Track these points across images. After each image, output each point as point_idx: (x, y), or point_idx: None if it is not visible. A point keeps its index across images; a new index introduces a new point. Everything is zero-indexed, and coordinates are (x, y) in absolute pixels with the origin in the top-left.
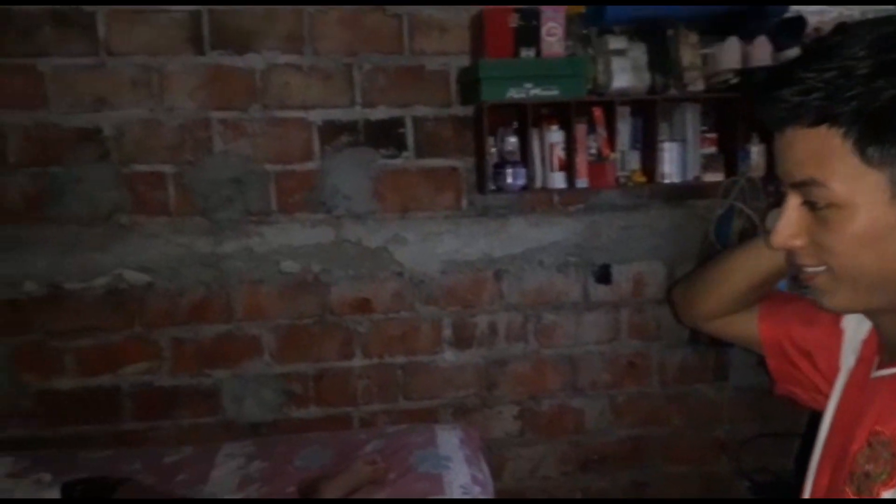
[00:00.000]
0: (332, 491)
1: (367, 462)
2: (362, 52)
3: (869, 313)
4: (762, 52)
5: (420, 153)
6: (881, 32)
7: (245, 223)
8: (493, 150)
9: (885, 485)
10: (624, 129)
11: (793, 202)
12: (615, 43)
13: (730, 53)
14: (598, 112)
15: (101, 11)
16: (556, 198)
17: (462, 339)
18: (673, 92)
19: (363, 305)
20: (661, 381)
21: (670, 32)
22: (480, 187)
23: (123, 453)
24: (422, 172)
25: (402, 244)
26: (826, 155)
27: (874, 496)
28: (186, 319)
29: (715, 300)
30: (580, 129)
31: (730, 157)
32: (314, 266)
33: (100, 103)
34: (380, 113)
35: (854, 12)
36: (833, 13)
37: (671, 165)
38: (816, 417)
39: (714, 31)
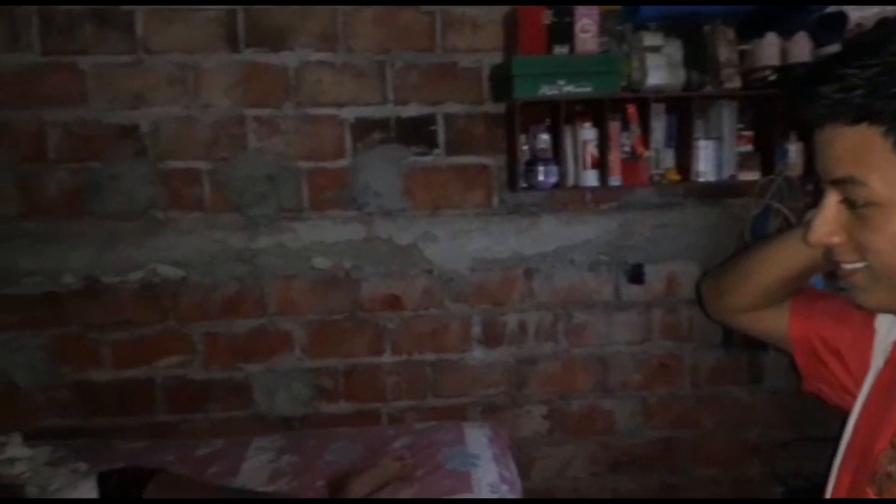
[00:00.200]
0: (360, 486)
1: (395, 458)
2: (395, 49)
3: None
4: (802, 48)
5: (451, 150)
6: None
7: (278, 219)
8: (525, 147)
9: None
10: (658, 126)
11: (831, 199)
12: (650, 39)
13: (768, 50)
14: (632, 109)
15: (139, 10)
16: (588, 196)
17: (491, 338)
18: (709, 89)
19: (393, 302)
20: (693, 383)
21: (707, 29)
22: (511, 185)
23: (157, 444)
24: (452, 170)
25: (432, 241)
26: (866, 153)
27: (895, 497)
28: (220, 314)
29: (745, 293)
30: (614, 126)
31: (767, 155)
32: (345, 262)
33: (137, 100)
34: (411, 110)
35: None
36: (875, 9)
37: (706, 163)
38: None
39: (752, 27)
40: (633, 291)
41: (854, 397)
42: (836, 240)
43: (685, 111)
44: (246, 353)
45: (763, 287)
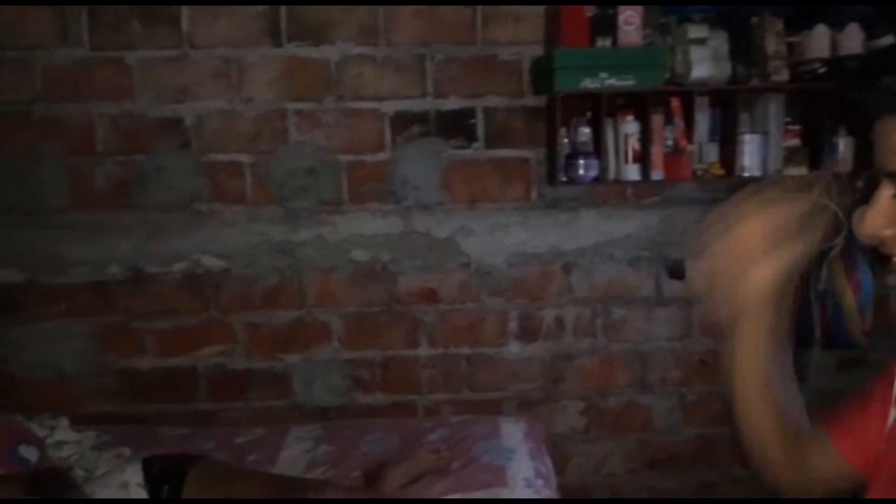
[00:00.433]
0: (396, 477)
1: (431, 450)
2: (435, 42)
3: None
4: (853, 40)
5: (490, 144)
6: None
7: (318, 212)
8: (565, 141)
9: None
10: (702, 120)
11: (886, 192)
12: (695, 32)
13: (818, 42)
14: (675, 102)
15: (185, 6)
16: (629, 190)
17: (528, 332)
18: (755, 82)
19: (430, 295)
20: None
21: (754, 20)
22: (551, 179)
23: (198, 432)
24: (491, 163)
25: (469, 235)
26: None
27: None
28: (260, 305)
29: (771, 451)
30: (656, 119)
31: (815, 150)
32: (383, 255)
33: (182, 94)
34: (451, 103)
35: None
36: None
37: (751, 158)
38: None
39: (801, 19)
40: (673, 287)
41: None
42: (888, 233)
43: (730, 105)
44: (285, 344)
45: (773, 431)
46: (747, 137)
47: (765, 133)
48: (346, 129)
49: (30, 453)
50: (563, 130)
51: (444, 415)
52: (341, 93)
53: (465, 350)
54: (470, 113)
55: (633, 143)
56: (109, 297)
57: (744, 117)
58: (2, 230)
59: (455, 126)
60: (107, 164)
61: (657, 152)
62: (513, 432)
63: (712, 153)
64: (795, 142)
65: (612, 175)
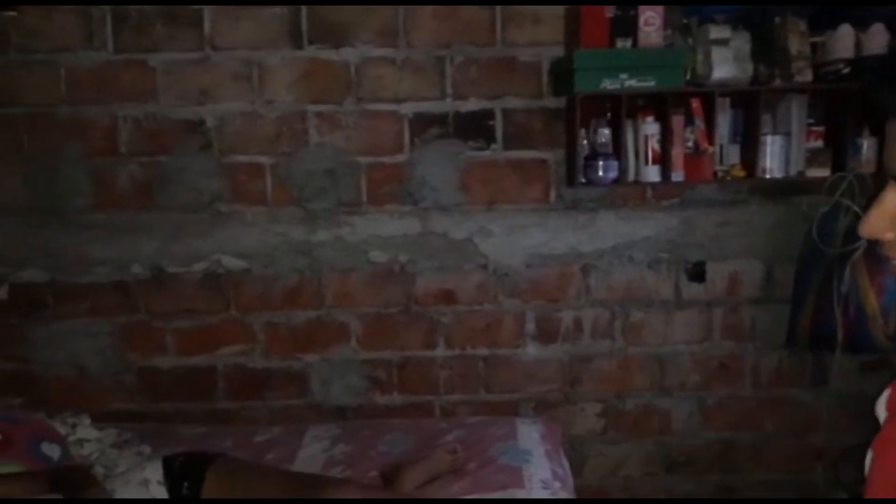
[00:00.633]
0: (412, 477)
1: (447, 451)
2: (455, 44)
3: None
4: (878, 40)
5: (509, 145)
6: None
7: (337, 213)
8: (585, 142)
9: None
10: (723, 121)
11: (892, 193)
12: (717, 32)
13: (842, 42)
14: (696, 103)
15: (207, 8)
16: (649, 192)
17: (546, 334)
18: (778, 83)
19: (447, 296)
20: (754, 384)
21: (777, 21)
22: (570, 180)
23: (217, 430)
24: (510, 164)
25: (487, 236)
26: None
27: None
28: (280, 305)
29: None
30: (677, 120)
31: (838, 151)
32: (401, 256)
33: (204, 96)
34: (470, 105)
35: None
36: None
37: (773, 159)
38: None
39: (825, 19)
40: (693, 290)
41: None
42: (889, 236)
43: (752, 106)
44: (304, 344)
45: None
46: (769, 139)
47: (787, 134)
48: (365, 131)
49: (52, 450)
50: (582, 132)
51: (460, 416)
52: (361, 95)
53: (483, 351)
54: (489, 114)
55: (653, 145)
56: (131, 297)
57: (766, 118)
58: (26, 230)
59: (474, 127)
60: (130, 165)
61: (677, 153)
62: (530, 434)
63: (734, 154)
64: (818, 143)
65: (631, 176)
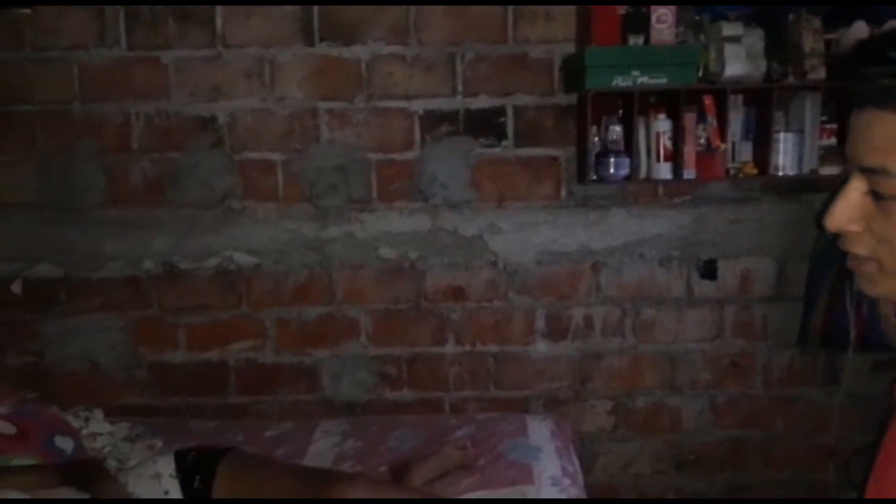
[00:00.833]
0: (422, 473)
1: (457, 447)
2: (466, 41)
3: None
4: None
5: (520, 142)
6: None
7: (347, 210)
8: (596, 139)
9: None
10: (736, 118)
11: (856, 186)
12: (729, 29)
13: (856, 39)
14: (708, 101)
15: (219, 6)
16: (660, 189)
17: (556, 331)
18: (791, 80)
19: (457, 293)
20: (766, 383)
21: (791, 18)
22: (581, 177)
23: (229, 425)
24: (520, 161)
25: (497, 233)
26: None
27: None
28: (291, 300)
29: None
30: (689, 118)
31: None
32: (411, 253)
33: (215, 93)
34: (481, 102)
35: None
36: None
37: (786, 157)
38: None
39: (839, 16)
40: (705, 288)
41: None
42: (854, 228)
43: (765, 103)
44: (314, 339)
45: None
46: (782, 136)
47: (800, 132)
48: (375, 128)
49: (65, 444)
50: (593, 129)
51: (470, 412)
52: (372, 92)
53: (493, 348)
54: (500, 111)
55: (665, 142)
56: (143, 292)
57: (779, 116)
58: (40, 226)
59: (484, 124)
60: (142, 161)
61: (689, 151)
62: (539, 430)
63: (746, 152)
64: (831, 141)
65: (643, 174)
